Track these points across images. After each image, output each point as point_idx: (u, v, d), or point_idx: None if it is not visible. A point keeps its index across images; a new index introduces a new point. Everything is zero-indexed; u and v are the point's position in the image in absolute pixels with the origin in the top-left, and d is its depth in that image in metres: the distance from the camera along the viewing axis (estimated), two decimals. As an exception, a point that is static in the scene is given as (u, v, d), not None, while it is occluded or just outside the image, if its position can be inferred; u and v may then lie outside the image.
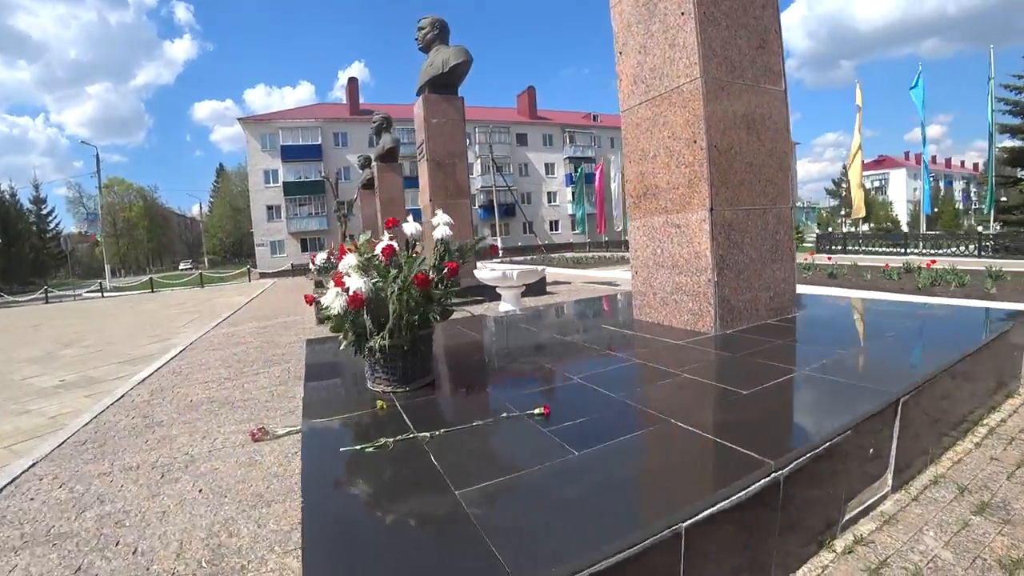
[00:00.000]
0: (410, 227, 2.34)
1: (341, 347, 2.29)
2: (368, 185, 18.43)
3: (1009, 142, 18.07)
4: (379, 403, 2.07)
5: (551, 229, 46.66)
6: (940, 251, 13.52)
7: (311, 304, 2.55)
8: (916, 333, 2.89)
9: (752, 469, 1.35)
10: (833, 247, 16.51)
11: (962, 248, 13.52)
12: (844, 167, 53.62)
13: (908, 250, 14.10)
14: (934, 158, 70.62)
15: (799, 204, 53.70)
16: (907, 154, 66.45)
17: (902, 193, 61.89)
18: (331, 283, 2.13)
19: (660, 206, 3.29)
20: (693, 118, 2.98)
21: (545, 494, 1.32)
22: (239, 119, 39.89)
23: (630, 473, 1.46)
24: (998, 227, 15.10)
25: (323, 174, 29.74)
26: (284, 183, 38.32)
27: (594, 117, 49.89)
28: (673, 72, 3.07)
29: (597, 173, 32.96)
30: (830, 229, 37.39)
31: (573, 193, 46.62)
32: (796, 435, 1.64)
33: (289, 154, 38.31)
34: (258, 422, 2.96)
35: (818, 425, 1.63)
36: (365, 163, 18.97)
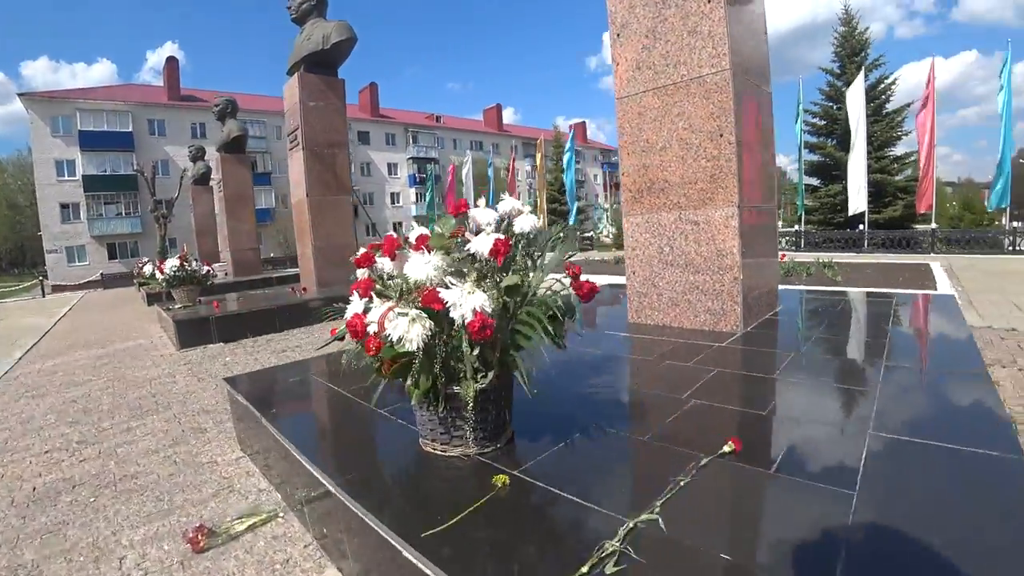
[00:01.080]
0: (486, 214, 1.63)
1: (373, 401, 1.59)
2: (202, 180, 15.57)
3: (810, 156, 22.80)
4: (498, 479, 1.36)
5: (395, 231, 44.88)
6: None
7: (347, 337, 1.76)
8: (883, 315, 3.21)
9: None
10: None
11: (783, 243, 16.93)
12: None
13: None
14: None
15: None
16: None
17: None
18: (372, 299, 1.44)
19: (671, 202, 3.13)
20: (719, 111, 2.86)
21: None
22: (20, 95, 30.76)
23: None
24: (807, 227, 18.96)
25: (136, 167, 24.13)
26: (84, 176, 30.86)
27: (437, 118, 49.62)
28: (693, 61, 2.93)
29: (448, 176, 32.68)
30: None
31: (417, 194, 45.78)
32: None
33: (90, 141, 30.86)
34: (186, 514, 2.00)
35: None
36: (198, 154, 16.13)
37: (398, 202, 45.72)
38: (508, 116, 54.74)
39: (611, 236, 25.82)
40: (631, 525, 1.14)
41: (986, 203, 14.79)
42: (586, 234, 30.88)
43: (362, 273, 1.67)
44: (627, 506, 1.24)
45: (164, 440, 2.84)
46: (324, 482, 1.49)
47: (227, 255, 12.22)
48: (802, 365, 2.31)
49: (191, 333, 5.32)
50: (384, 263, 1.49)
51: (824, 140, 21.61)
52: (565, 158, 28.46)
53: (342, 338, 1.79)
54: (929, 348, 2.67)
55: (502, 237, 1.37)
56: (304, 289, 7.41)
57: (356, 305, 1.57)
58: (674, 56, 3.00)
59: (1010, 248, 13.17)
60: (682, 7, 2.93)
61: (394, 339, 1.30)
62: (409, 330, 1.29)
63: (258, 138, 37.30)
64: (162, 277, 6.48)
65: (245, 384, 2.68)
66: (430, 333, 1.30)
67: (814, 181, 22.48)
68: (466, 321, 1.26)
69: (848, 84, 20.87)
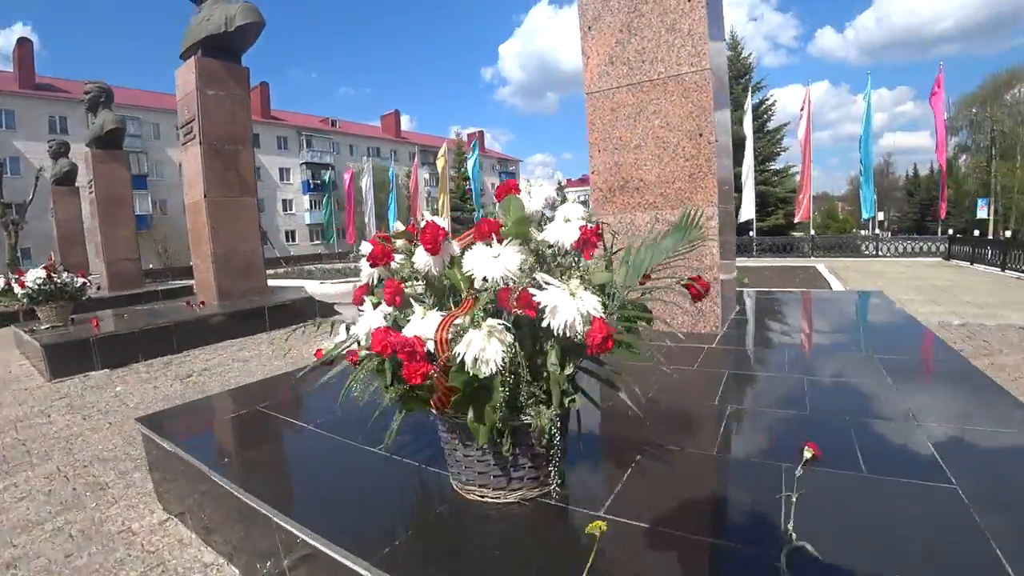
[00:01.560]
0: (539, 195, 1.30)
1: (387, 445, 1.26)
2: (65, 180, 13.32)
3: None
4: (593, 527, 0.99)
5: (287, 240, 42.02)
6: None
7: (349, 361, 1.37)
8: (833, 310, 3.40)
9: None
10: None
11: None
12: (560, 183, 64.52)
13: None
14: None
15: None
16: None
17: None
18: (404, 306, 1.13)
19: (647, 201, 3.04)
20: (698, 110, 2.83)
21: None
22: None
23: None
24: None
25: None
26: (-91, 174, 24.53)
27: (332, 122, 47.21)
28: (672, 58, 2.87)
29: (347, 180, 31.12)
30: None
31: (312, 201, 43.13)
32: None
33: (-87, 133, 25.00)
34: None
35: None
36: (60, 150, 13.49)
37: (290, 209, 42.71)
38: (405, 123, 53.40)
39: None
40: (784, 560, 0.94)
41: (864, 211, 17.25)
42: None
43: (373, 274, 1.31)
44: (757, 537, 1.04)
45: (49, 505, 2.16)
46: (332, 553, 1.11)
47: (101, 266, 10.50)
48: (806, 361, 2.30)
49: (65, 359, 4.30)
50: (422, 258, 1.15)
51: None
52: (469, 164, 28.47)
53: (330, 362, 1.42)
54: (897, 338, 2.83)
55: (589, 225, 1.11)
56: (202, 303, 6.43)
57: (373, 317, 1.22)
58: (651, 52, 2.93)
59: (873, 252, 15.28)
60: (661, 3, 2.87)
61: (468, 360, 0.98)
62: (486, 347, 0.98)
63: (133, 136, 32.81)
64: (23, 292, 5.21)
65: (168, 423, 2.11)
66: (510, 350, 1.00)
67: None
68: (576, 331, 0.98)
69: (734, 104, 23.33)
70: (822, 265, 10.85)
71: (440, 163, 27.12)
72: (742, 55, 23.56)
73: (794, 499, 1.15)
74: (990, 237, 21.42)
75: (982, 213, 27.42)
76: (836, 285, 7.53)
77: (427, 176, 47.18)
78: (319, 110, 51.55)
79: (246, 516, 1.41)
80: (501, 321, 1.01)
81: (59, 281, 5.18)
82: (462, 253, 1.11)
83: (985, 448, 1.41)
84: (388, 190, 32.68)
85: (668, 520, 1.12)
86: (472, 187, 28.60)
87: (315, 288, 4.86)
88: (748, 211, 18.77)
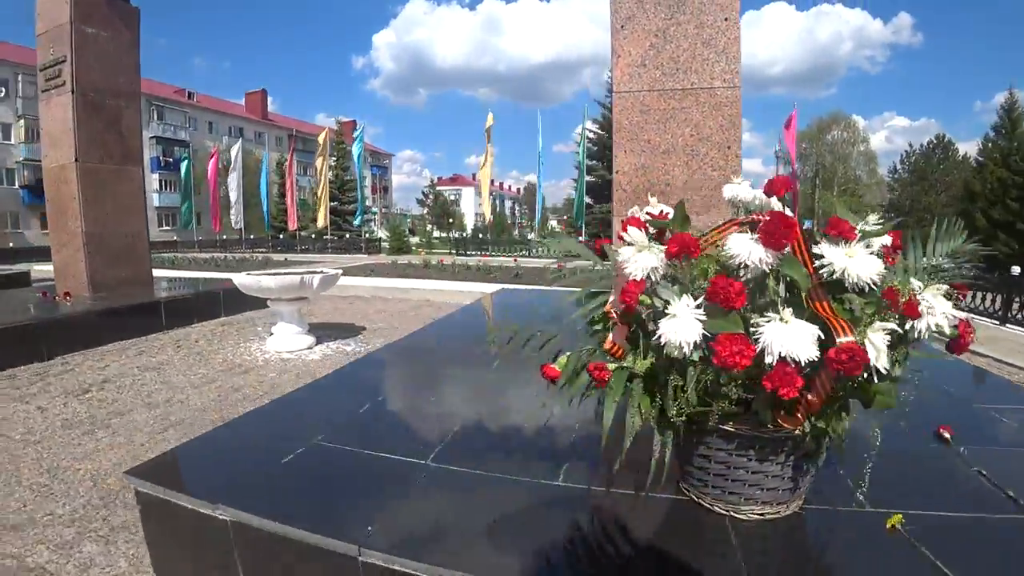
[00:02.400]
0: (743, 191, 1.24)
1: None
2: None
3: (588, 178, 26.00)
4: (892, 520, 1.03)
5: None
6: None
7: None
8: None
9: None
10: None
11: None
12: (432, 180, 63.53)
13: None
14: (492, 182, 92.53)
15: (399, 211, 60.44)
16: (474, 176, 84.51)
17: (471, 206, 78.17)
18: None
19: (671, 205, 3.07)
20: (729, 124, 2.91)
21: None
22: None
23: None
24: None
25: None
26: None
27: (189, 94, 41.37)
28: (706, 71, 2.92)
29: (211, 164, 27.49)
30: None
31: (161, 180, 37.35)
32: None
33: None
34: None
35: None
36: None
37: (135, 188, 36.40)
38: (270, 105, 48.60)
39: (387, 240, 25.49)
40: None
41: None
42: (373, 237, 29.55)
43: (647, 267, 1.06)
44: None
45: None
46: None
47: None
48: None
49: None
50: (756, 252, 0.94)
51: (598, 163, 25.40)
52: (355, 153, 26.89)
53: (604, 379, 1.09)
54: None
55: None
56: (67, 295, 5.10)
57: (687, 320, 0.99)
58: (685, 62, 2.96)
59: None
60: (698, 17, 2.91)
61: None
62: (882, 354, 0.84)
63: None
64: None
65: (182, 475, 1.56)
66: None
67: (589, 200, 26.35)
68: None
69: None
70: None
71: (320, 159, 25.35)
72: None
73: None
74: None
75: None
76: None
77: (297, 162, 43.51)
78: (170, 79, 44.31)
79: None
80: (890, 325, 0.87)
81: None
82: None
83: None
84: (258, 174, 29.57)
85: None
86: (357, 176, 27.08)
87: (244, 280, 4.13)
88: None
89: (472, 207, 77.83)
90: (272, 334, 4.42)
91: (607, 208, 23.51)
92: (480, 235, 29.26)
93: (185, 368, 3.82)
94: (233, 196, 27.35)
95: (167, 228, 37.02)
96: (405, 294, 8.14)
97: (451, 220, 52.31)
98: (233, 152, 26.67)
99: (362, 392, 2.26)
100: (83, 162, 5.07)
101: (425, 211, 55.74)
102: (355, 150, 26.66)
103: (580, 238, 21.05)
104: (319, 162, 26.25)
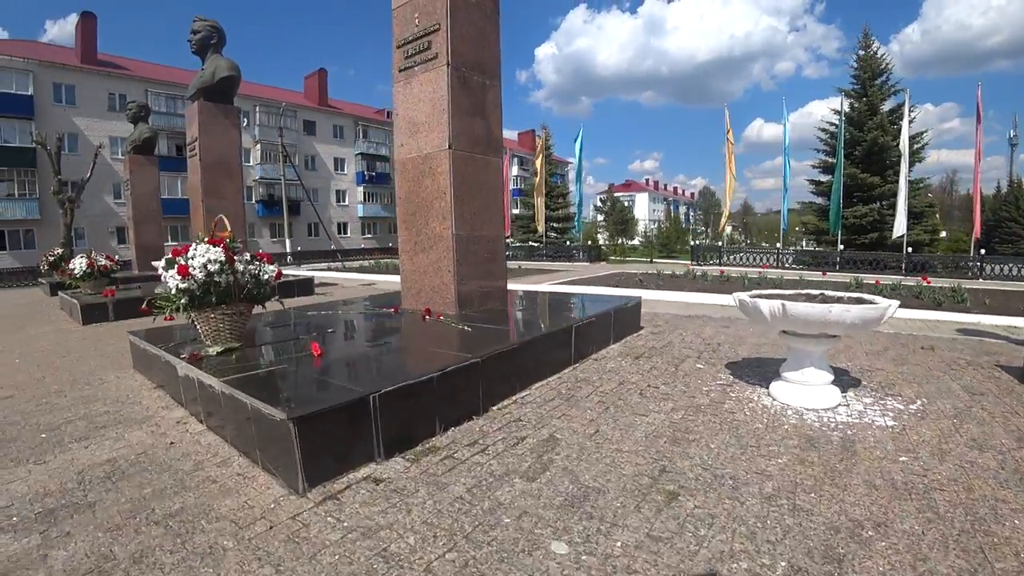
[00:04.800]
0: None
1: None
2: (144, 148, 12.19)
3: (823, 176, 22.11)
4: None
5: (340, 232, 40.21)
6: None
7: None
8: None
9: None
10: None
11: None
12: (609, 187, 61.60)
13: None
14: (660, 185, 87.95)
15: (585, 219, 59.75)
16: (647, 181, 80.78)
17: (644, 212, 74.65)
18: None
19: None
20: None
21: None
22: None
23: None
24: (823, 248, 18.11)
25: (37, 138, 17.85)
26: (-34, 147, 24.13)
27: (388, 113, 45.39)
28: None
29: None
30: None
31: (365, 193, 41.35)
32: None
33: (-23, 103, 24.20)
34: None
35: None
36: (140, 114, 12.46)
37: (344, 200, 40.94)
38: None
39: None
40: None
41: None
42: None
43: None
44: None
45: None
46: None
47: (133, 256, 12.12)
48: None
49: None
50: None
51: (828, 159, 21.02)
52: (576, 158, 25.05)
53: None
54: None
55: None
56: (428, 313, 4.13)
57: None
58: None
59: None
60: None
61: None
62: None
63: (181, 116, 31.47)
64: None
65: None
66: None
67: (821, 201, 22.06)
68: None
69: (870, 107, 20.55)
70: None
71: (539, 161, 24.77)
72: (878, 53, 20.80)
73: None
74: None
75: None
76: None
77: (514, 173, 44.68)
78: (366, 101, 49.26)
79: None
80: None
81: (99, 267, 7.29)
82: None
83: None
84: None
85: None
86: (576, 188, 25.72)
87: (795, 310, 2.48)
88: (901, 225, 16.08)
89: (646, 212, 74.41)
90: (783, 379, 2.81)
91: (861, 211, 19.17)
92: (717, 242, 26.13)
93: (691, 428, 2.32)
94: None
95: (368, 236, 40.91)
96: (723, 311, 6.23)
97: (623, 227, 49.91)
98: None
99: None
100: (455, 150, 4.08)
101: (601, 218, 54.07)
102: (575, 156, 25.27)
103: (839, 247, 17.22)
104: (539, 173, 25.60)
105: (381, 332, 3.80)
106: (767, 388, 2.96)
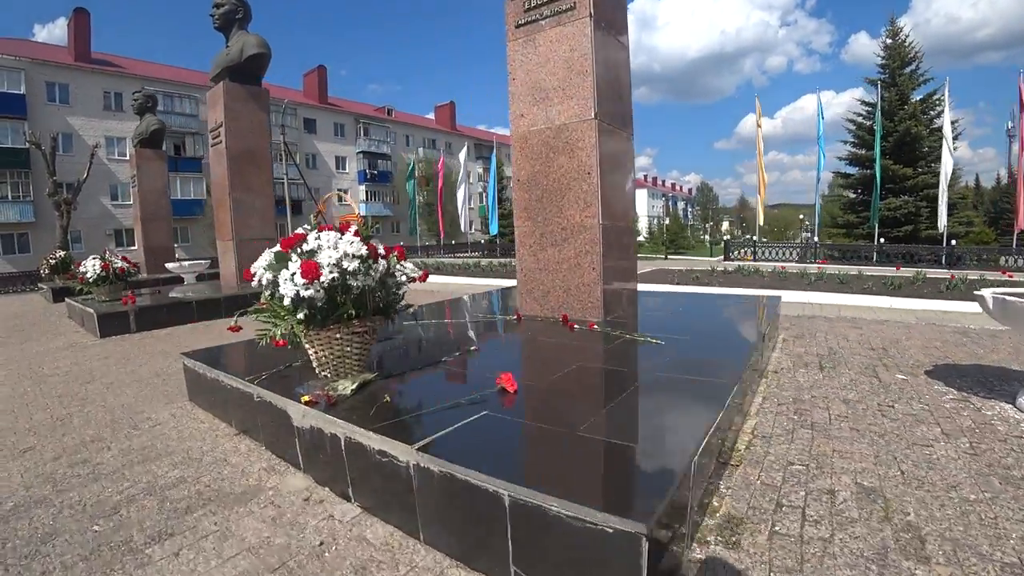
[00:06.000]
0: None
1: None
2: (152, 142, 11.25)
3: (849, 169, 21.51)
4: None
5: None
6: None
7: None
8: None
9: None
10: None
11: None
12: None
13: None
14: (657, 181, 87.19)
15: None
16: (644, 177, 79.97)
17: (643, 209, 73.93)
18: None
19: None
20: None
21: None
22: None
23: None
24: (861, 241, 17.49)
25: (30, 138, 16.73)
26: (-44, 147, 23.11)
27: (388, 111, 44.45)
28: None
29: (439, 169, 27.99)
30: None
31: (368, 192, 40.33)
32: None
33: (-33, 102, 23.17)
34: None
35: None
36: (147, 104, 11.73)
37: (345, 199, 39.76)
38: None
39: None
40: None
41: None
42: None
43: None
44: None
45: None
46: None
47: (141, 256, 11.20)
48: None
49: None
50: None
51: (870, 152, 20.36)
52: None
53: None
54: None
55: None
56: (566, 320, 3.35)
57: None
58: None
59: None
60: None
61: None
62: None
63: (188, 115, 30.35)
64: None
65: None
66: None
67: (849, 194, 21.49)
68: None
69: (901, 96, 19.92)
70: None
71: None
72: (907, 42, 20.18)
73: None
74: None
75: None
76: None
77: (480, 171, 44.14)
78: (368, 99, 48.15)
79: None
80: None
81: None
82: None
83: None
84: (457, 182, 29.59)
85: None
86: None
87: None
88: (943, 218, 15.50)
89: (645, 209, 73.72)
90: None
91: (895, 203, 18.55)
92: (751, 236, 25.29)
93: (1001, 461, 1.58)
94: (460, 204, 27.26)
95: (371, 236, 39.82)
96: (823, 310, 5.51)
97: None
98: (462, 158, 26.49)
99: None
100: (601, 120, 3.29)
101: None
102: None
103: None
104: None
105: (546, 350, 2.85)
106: (1008, 402, 2.53)
